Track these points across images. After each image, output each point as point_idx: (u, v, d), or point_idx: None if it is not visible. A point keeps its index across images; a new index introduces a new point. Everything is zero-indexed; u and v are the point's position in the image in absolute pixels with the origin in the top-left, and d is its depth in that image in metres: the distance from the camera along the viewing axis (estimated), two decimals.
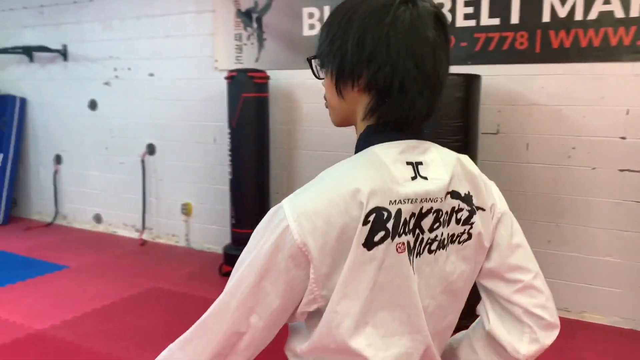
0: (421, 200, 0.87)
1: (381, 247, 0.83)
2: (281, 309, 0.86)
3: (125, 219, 5.54)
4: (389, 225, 0.83)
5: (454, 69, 3.52)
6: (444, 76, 0.91)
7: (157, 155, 5.24)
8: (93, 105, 5.58)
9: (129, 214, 5.48)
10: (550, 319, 0.97)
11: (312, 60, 0.98)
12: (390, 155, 0.88)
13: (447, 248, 0.91)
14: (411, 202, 0.86)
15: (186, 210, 5.11)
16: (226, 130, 4.32)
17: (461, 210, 0.91)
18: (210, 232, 5.03)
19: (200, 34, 4.83)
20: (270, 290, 0.85)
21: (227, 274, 4.22)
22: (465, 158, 0.96)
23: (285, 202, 0.86)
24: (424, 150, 0.91)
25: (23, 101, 6.00)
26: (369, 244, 0.82)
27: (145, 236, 5.36)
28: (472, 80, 3.35)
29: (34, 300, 3.83)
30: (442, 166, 0.91)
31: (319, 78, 0.99)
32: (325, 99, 0.99)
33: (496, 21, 3.60)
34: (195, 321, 0.94)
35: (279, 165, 4.59)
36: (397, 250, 0.84)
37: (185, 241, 5.18)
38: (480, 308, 1.03)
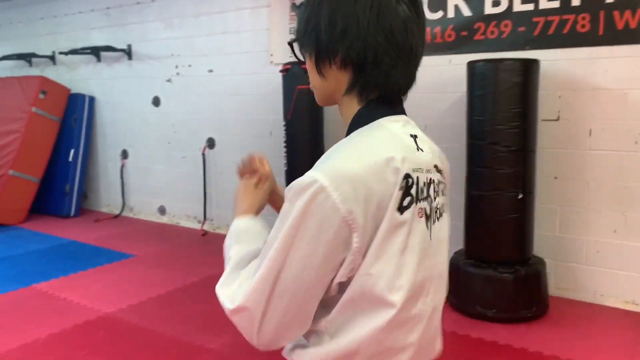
0: (426, 170, 0.92)
1: (409, 211, 0.87)
2: (320, 280, 0.87)
3: (188, 211, 5.74)
4: (413, 191, 0.88)
5: (512, 55, 3.47)
6: (417, 49, 0.92)
7: (216, 149, 5.40)
8: (156, 101, 5.81)
9: (191, 206, 5.67)
10: None
11: (293, 44, 1.00)
12: (398, 127, 0.92)
13: (443, 216, 0.97)
14: (424, 172, 0.90)
15: None
16: (282, 123, 4.40)
17: (442, 182, 0.97)
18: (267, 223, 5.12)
19: (256, 29, 4.93)
20: (311, 263, 0.85)
21: None
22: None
23: (319, 175, 0.84)
24: (414, 125, 0.97)
25: (92, 99, 6.33)
26: (401, 208, 0.86)
27: (206, 227, 5.54)
28: (530, 66, 3.26)
29: (102, 286, 4.04)
30: (426, 141, 0.96)
31: (301, 61, 1.01)
32: (308, 80, 1.00)
33: (556, 4, 3.48)
34: None
35: None
36: (418, 215, 0.89)
37: None
38: None
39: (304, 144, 4.31)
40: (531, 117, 3.28)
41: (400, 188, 0.85)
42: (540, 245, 3.55)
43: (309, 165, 4.24)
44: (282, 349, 0.98)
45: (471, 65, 3.37)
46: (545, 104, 3.48)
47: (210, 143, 5.42)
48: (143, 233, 5.59)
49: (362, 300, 0.87)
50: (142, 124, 5.98)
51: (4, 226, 5.75)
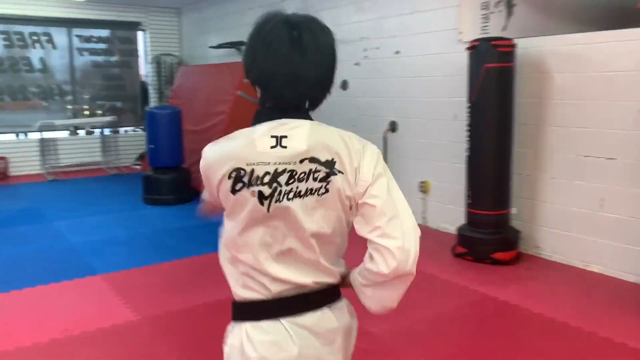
0: (274, 163, 1.20)
1: (241, 193, 1.21)
2: None
3: None
4: (245, 179, 1.21)
5: None
6: (303, 74, 1.22)
7: (399, 132, 5.30)
8: (344, 85, 5.91)
9: None
10: (397, 255, 1.20)
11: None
12: (261, 130, 1.22)
13: (305, 198, 1.21)
14: (265, 164, 1.20)
15: (424, 188, 5.06)
16: (467, 105, 4.12)
17: (318, 171, 1.21)
18: (446, 211, 4.90)
19: (446, 6, 4.68)
20: None
21: (461, 255, 4.13)
22: (342, 136, 1.25)
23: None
24: (293, 127, 1.22)
25: None
26: (233, 191, 1.22)
27: None
28: None
29: None
30: (303, 139, 1.21)
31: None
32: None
33: None
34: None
35: (524, 143, 4.19)
36: (251, 195, 1.21)
37: (422, 219, 5.15)
38: None
39: (490, 128, 3.97)
40: None
41: (229, 177, 1.21)
42: None
43: (494, 152, 3.95)
44: None
45: None
46: None
47: (393, 126, 5.34)
48: None
49: None
50: (330, 107, 6.07)
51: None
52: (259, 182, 1.20)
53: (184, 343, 2.94)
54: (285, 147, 1.20)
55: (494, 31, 4.26)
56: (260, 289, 1.26)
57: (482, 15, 4.38)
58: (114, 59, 9.00)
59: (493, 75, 3.88)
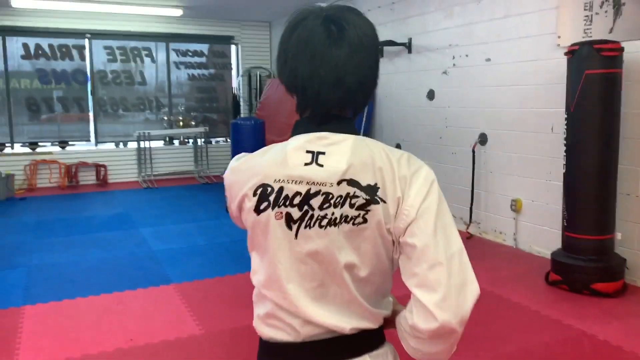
0: (307, 182, 1.04)
1: (265, 213, 1.06)
2: None
3: (455, 211, 5.41)
4: (271, 197, 1.05)
5: None
6: (342, 76, 1.03)
7: (488, 145, 4.92)
8: (431, 95, 5.62)
9: (458, 206, 5.33)
10: (436, 314, 0.97)
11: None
12: (295, 143, 1.07)
13: (340, 226, 1.03)
14: (296, 183, 1.04)
15: (515, 206, 4.64)
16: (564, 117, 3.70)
17: (357, 197, 1.02)
18: (540, 233, 4.45)
19: (543, 8, 4.27)
20: None
21: (555, 284, 3.69)
22: (390, 157, 1.05)
23: None
24: (333, 142, 1.05)
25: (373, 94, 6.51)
26: (257, 210, 1.07)
27: (471, 230, 5.12)
28: None
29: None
30: (344, 157, 1.03)
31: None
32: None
33: None
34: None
35: (631, 159, 3.69)
36: (277, 217, 1.05)
37: (513, 240, 4.72)
38: None
39: (591, 142, 3.53)
40: None
41: (254, 194, 1.07)
42: None
43: (596, 169, 3.45)
44: None
45: None
46: None
47: (482, 139, 4.97)
48: None
49: None
50: (415, 118, 5.88)
51: None
52: (287, 203, 1.04)
53: None
54: (321, 165, 1.04)
55: (598, 34, 3.81)
56: (287, 329, 1.09)
57: (585, 17, 3.94)
58: (208, 72, 9.30)
59: (595, 82, 3.45)
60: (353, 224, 1.03)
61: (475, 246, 4.82)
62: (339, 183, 1.02)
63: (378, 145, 1.08)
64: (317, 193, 1.03)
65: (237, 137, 6.24)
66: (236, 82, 9.49)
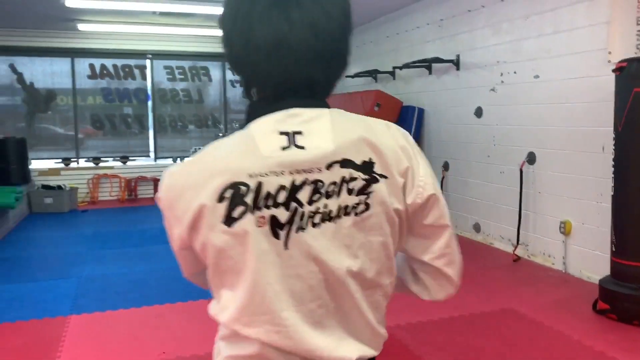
0: (290, 171, 0.82)
1: (241, 223, 0.81)
2: None
3: (502, 231, 5.24)
4: (248, 199, 0.81)
5: None
6: (303, 43, 0.84)
7: (536, 164, 4.75)
8: (479, 112, 5.50)
9: (506, 227, 5.16)
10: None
11: None
12: (262, 127, 0.85)
13: (337, 221, 0.84)
14: (276, 174, 0.82)
15: (564, 229, 4.44)
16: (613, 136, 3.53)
17: (354, 179, 0.85)
18: (591, 257, 4.22)
19: (593, 23, 4.10)
20: None
21: (602, 312, 3.50)
22: (377, 125, 0.91)
23: None
24: (309, 119, 0.86)
25: (421, 111, 6.44)
26: (228, 221, 0.82)
27: (519, 252, 4.94)
28: None
29: (393, 298, 3.99)
30: (327, 134, 0.85)
31: None
32: None
33: None
34: None
35: None
36: (257, 223, 0.82)
37: (562, 264, 4.51)
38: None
39: (639, 163, 3.34)
40: None
41: (220, 200, 0.82)
42: None
43: None
44: None
45: None
46: None
47: (530, 158, 4.79)
48: None
49: None
50: (463, 136, 5.76)
51: None
52: (271, 203, 0.82)
53: None
54: (302, 147, 0.84)
55: None
56: None
57: (638, 32, 3.76)
58: None
59: None
60: (355, 214, 0.85)
61: (523, 269, 4.64)
62: (328, 167, 0.84)
63: (357, 116, 0.92)
64: (303, 183, 0.83)
65: None
66: None
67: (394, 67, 6.82)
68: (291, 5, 0.84)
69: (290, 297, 0.85)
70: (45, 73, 8.43)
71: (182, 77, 9.06)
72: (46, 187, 7.62)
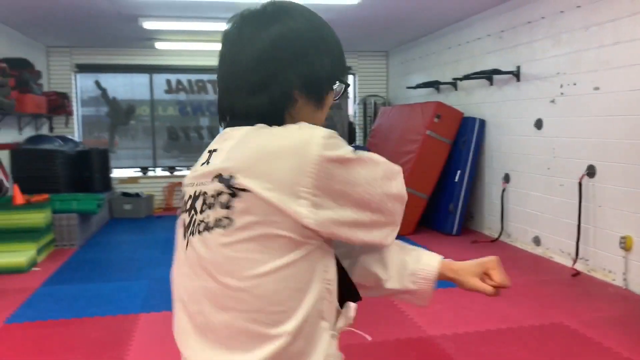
0: (195, 184, 0.93)
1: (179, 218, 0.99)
2: None
3: (562, 245, 5.15)
4: (182, 202, 0.98)
5: None
6: (256, 83, 0.92)
7: (596, 178, 4.65)
8: (539, 124, 5.44)
9: (566, 241, 5.07)
10: None
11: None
12: (210, 144, 0.98)
13: (212, 231, 0.89)
14: (190, 185, 0.95)
15: (625, 244, 4.33)
16: None
17: (221, 193, 0.87)
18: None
19: None
20: None
21: None
22: (266, 131, 0.90)
23: None
24: (227, 137, 0.93)
25: (482, 122, 6.43)
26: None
27: (578, 266, 4.84)
28: None
29: (441, 307, 4.06)
30: (226, 151, 0.90)
31: None
32: None
33: None
34: None
35: None
36: (180, 224, 0.98)
37: (623, 280, 4.40)
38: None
39: None
40: None
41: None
42: None
43: None
44: None
45: None
46: None
47: (590, 171, 4.71)
48: (511, 261, 5.32)
49: None
50: (523, 148, 5.71)
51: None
52: (184, 208, 0.96)
53: None
54: (209, 162, 0.93)
55: None
56: None
57: None
58: None
59: None
60: (223, 227, 0.88)
61: (581, 284, 4.55)
62: (212, 179, 0.89)
63: (272, 131, 0.90)
64: (199, 194, 0.91)
65: None
66: (352, 110, 9.84)
67: (454, 79, 6.85)
68: (225, 44, 0.98)
69: (184, 294, 0.96)
70: (126, 88, 9.11)
71: None
72: (125, 195, 8.23)
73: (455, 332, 3.58)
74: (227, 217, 0.86)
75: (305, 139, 0.85)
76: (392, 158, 5.18)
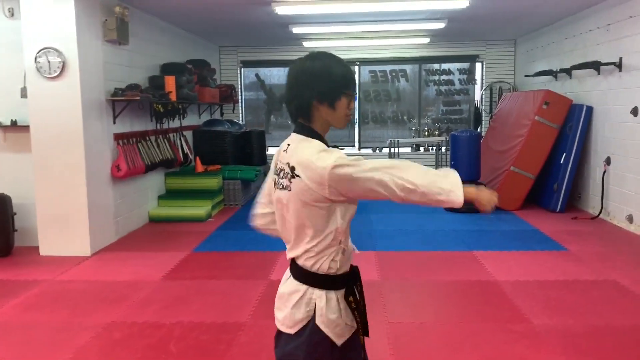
0: (280, 161, 1.71)
1: (274, 175, 1.77)
2: None
3: None
4: (277, 168, 1.73)
5: None
6: (292, 96, 1.66)
7: None
8: (635, 111, 5.90)
9: None
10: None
11: None
12: (286, 140, 1.74)
13: (283, 190, 1.66)
14: (279, 161, 1.73)
15: None
16: None
17: (289, 173, 1.64)
18: None
19: None
20: None
21: None
22: (303, 145, 1.63)
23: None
24: (291, 140, 1.71)
25: (589, 109, 6.92)
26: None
27: None
28: None
29: (514, 264, 4.93)
30: (291, 150, 1.67)
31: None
32: None
33: None
34: None
35: None
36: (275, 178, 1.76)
37: None
38: None
39: None
40: None
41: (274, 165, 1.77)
42: None
43: None
44: None
45: None
46: None
47: None
48: (599, 235, 5.90)
49: None
50: (623, 133, 6.18)
51: (502, 210, 7.23)
52: (275, 171, 1.74)
53: None
54: (286, 152, 1.69)
55: None
56: None
57: None
58: (453, 87, 10.59)
59: None
60: (287, 189, 1.63)
61: None
62: (285, 164, 1.65)
63: (302, 143, 1.65)
64: (281, 169, 1.67)
65: (455, 146, 7.43)
66: (479, 95, 10.53)
67: (561, 69, 7.34)
68: (289, 74, 1.70)
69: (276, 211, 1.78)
70: (280, 80, 10.82)
71: (383, 79, 10.66)
72: None
73: (517, 280, 4.49)
74: (289, 186, 1.63)
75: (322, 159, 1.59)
76: (506, 141, 6.88)
